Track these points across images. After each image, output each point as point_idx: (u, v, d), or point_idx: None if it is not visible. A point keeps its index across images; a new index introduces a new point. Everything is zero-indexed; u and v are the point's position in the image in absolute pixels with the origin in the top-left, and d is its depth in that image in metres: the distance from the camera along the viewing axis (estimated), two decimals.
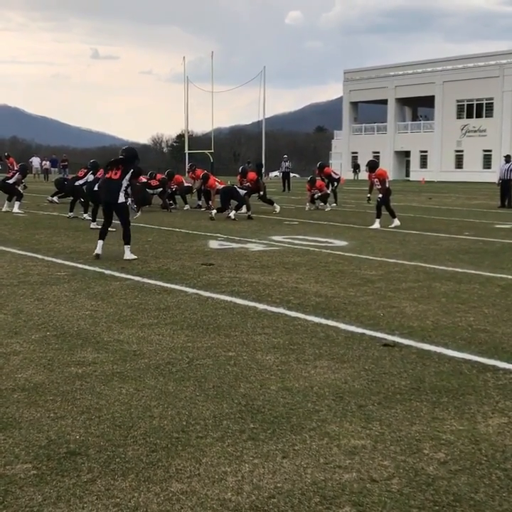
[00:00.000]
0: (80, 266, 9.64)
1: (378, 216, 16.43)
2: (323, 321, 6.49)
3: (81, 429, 3.81)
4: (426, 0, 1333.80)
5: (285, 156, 38.65)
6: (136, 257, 10.34)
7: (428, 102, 72.35)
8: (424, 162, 72.77)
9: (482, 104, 68.52)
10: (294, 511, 2.95)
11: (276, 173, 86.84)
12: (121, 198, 10.36)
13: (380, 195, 16.52)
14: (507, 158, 26.08)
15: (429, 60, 73.96)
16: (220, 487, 3.15)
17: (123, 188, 10.34)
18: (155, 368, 4.96)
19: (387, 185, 16.66)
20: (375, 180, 16.61)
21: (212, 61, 74.32)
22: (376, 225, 16.27)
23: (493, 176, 64.48)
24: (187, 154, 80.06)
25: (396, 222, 16.41)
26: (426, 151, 72.33)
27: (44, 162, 52.42)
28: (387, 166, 72.31)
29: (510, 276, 9.18)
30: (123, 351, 5.39)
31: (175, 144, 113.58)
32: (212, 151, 74.56)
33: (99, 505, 2.97)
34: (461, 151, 69.55)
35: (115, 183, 10.35)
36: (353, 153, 77.13)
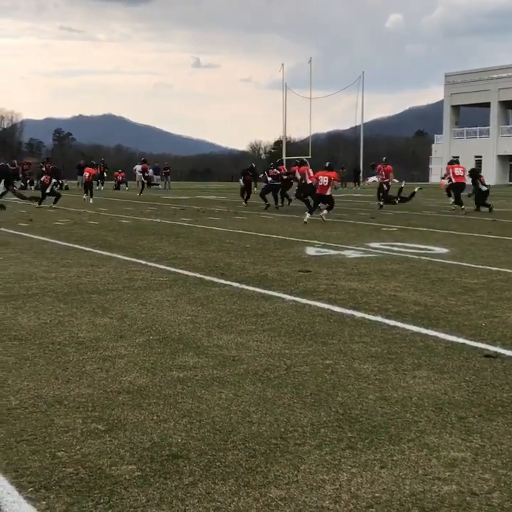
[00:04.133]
0: (181, 271, 9.88)
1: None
2: (423, 331, 6.42)
3: (182, 432, 3.93)
4: None
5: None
6: None
7: None
8: None
9: None
10: None
11: (374, 178, 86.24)
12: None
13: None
14: None
15: None
16: (318, 495, 3.19)
17: None
18: (253, 374, 5.04)
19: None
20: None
21: (311, 67, 74.33)
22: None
23: None
24: (285, 160, 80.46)
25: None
26: None
27: (149, 169, 53.71)
28: (490, 170, 70.45)
29: None
30: (222, 356, 5.50)
31: (272, 151, 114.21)
32: (310, 156, 74.65)
33: (200, 509, 3.05)
34: None
35: None
36: (454, 157, 75.45)
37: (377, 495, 3.19)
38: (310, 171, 24.03)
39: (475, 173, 24.72)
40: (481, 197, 24.30)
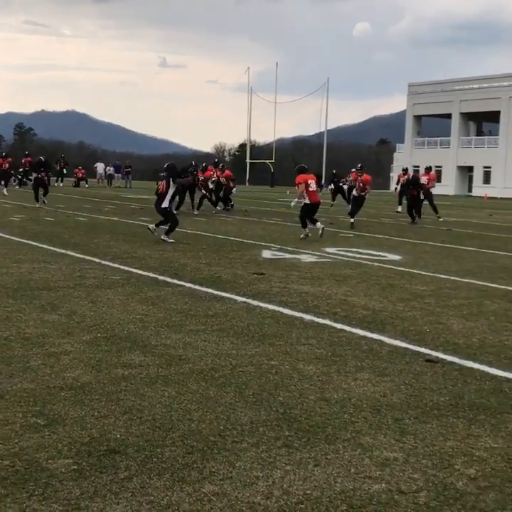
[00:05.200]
0: (135, 271, 9.88)
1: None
2: (368, 334, 6.53)
3: (122, 428, 3.96)
4: (497, 13, 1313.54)
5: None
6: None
7: (493, 117, 71.20)
8: (487, 178, 71.57)
9: None
10: None
11: (347, 185, 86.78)
12: None
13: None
14: None
15: (495, 75, 72.79)
16: (251, 491, 3.25)
17: None
18: (198, 373, 5.09)
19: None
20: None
21: (277, 72, 74.69)
22: None
23: None
24: (248, 163, 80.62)
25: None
26: (490, 167, 71.12)
27: (108, 168, 53.43)
28: (450, 180, 71.60)
29: None
30: (169, 355, 5.54)
31: (237, 153, 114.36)
32: (274, 161, 74.92)
33: (133, 502, 3.10)
34: None
35: None
36: (414, 166, 76.46)
37: (308, 492, 3.27)
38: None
39: (415, 181, 23.98)
40: (417, 205, 23.20)
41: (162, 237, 13.91)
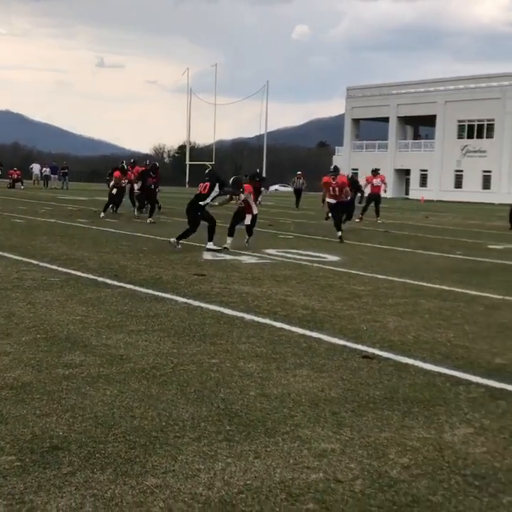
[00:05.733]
0: (74, 272, 9.84)
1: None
2: (308, 333, 6.68)
3: (64, 426, 3.99)
4: (435, 19, 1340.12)
5: (299, 173, 38.10)
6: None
7: (429, 121, 72.84)
8: (423, 181, 73.16)
9: (483, 125, 68.99)
10: (260, 506, 3.13)
11: (276, 187, 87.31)
12: None
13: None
14: None
15: (431, 79, 74.53)
16: (193, 482, 3.34)
17: None
18: (140, 372, 5.14)
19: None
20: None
21: (216, 73, 74.83)
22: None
23: (491, 196, 64.98)
24: (188, 165, 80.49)
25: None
26: (426, 170, 72.73)
27: (44, 169, 52.69)
28: (388, 183, 72.61)
29: (495, 296, 9.37)
30: (110, 355, 5.57)
31: (176, 155, 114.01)
32: (214, 162, 74.99)
33: (77, 495, 3.15)
34: (461, 171, 69.95)
35: None
36: (353, 169, 77.55)
37: (248, 482, 3.37)
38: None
39: (354, 182, 23.35)
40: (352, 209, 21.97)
41: (208, 246, 13.80)
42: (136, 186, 21.77)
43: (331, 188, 16.79)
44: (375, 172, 26.46)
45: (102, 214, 21.88)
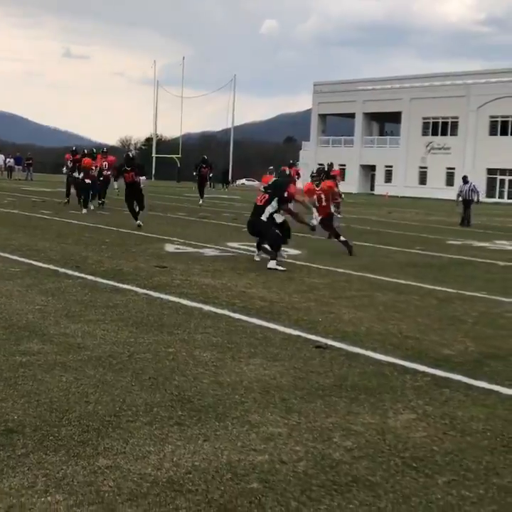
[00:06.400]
0: (35, 263, 9.87)
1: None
2: (264, 324, 6.83)
3: (20, 410, 4.10)
4: (402, 16, 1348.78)
5: (271, 168, 38.01)
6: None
7: (395, 117, 73.45)
8: (389, 177, 73.78)
9: (447, 122, 69.79)
10: (206, 485, 3.28)
11: (243, 181, 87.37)
12: None
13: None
14: (465, 179, 27.12)
15: (397, 76, 75.10)
16: (142, 463, 3.47)
17: None
18: (96, 360, 5.25)
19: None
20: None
21: (184, 66, 74.64)
22: None
23: (454, 193, 65.76)
24: (154, 158, 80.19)
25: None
26: (391, 166, 73.34)
27: (8, 160, 52.13)
28: (354, 178, 73.37)
29: (449, 290, 9.62)
30: (67, 344, 5.67)
31: (143, 147, 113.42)
32: (180, 156, 74.83)
33: (29, 475, 3.27)
34: (425, 167, 70.70)
35: None
36: (319, 164, 77.97)
37: (196, 463, 3.51)
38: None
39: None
40: None
41: (270, 265, 10.78)
42: (112, 179, 20.11)
43: (315, 196, 13.38)
44: (330, 166, 26.69)
45: (84, 210, 20.20)
